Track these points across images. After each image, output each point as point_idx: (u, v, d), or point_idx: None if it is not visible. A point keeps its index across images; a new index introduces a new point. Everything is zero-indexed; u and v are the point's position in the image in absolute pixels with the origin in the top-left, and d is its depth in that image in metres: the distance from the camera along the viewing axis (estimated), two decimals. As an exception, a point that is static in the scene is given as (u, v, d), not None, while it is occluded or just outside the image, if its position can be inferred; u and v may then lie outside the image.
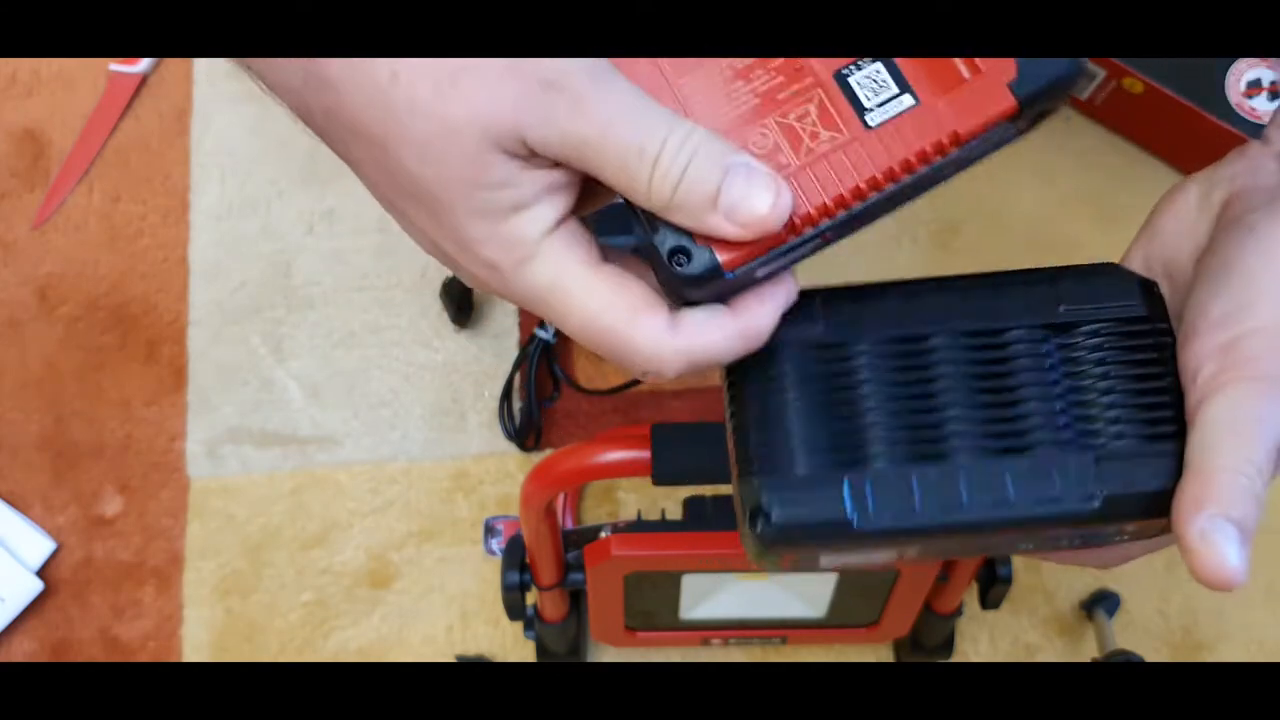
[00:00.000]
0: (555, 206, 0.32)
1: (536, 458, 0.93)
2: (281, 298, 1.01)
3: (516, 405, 0.96)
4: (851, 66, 0.35)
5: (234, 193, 1.04)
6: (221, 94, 1.06)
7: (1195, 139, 0.97)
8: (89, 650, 0.94)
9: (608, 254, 0.34)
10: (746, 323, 0.33)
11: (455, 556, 0.95)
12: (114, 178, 1.05)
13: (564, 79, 0.30)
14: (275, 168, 1.03)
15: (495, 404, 0.97)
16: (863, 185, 0.33)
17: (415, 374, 0.99)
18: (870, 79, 0.35)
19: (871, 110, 0.34)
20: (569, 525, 0.93)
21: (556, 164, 0.32)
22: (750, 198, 0.31)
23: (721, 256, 0.32)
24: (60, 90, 1.08)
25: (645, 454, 0.55)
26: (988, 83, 0.34)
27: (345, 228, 1.01)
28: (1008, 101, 0.35)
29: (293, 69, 0.33)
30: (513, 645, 0.92)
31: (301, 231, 1.02)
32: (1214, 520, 0.32)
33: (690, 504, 0.73)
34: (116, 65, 1.07)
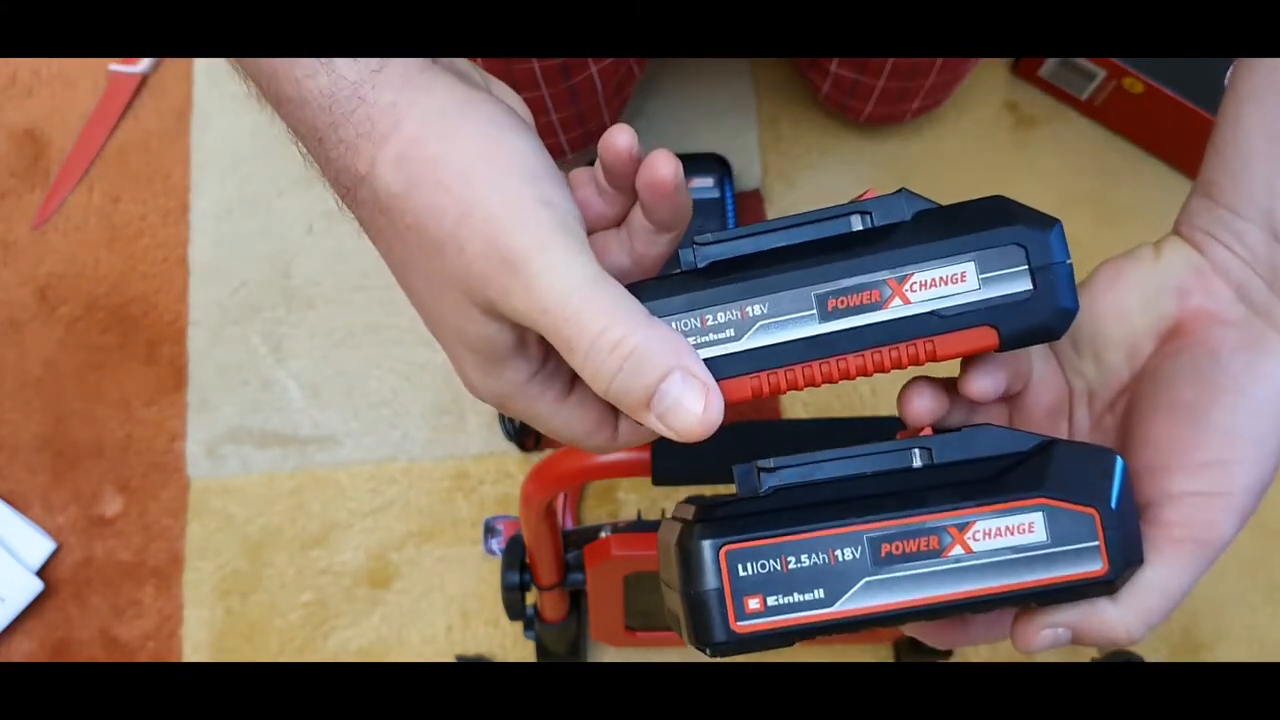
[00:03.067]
0: (530, 361, 0.36)
1: (536, 458, 0.93)
2: (281, 298, 1.01)
3: (517, 406, 0.96)
4: None
5: (234, 193, 1.04)
6: (221, 94, 1.06)
7: (1195, 139, 0.96)
8: (89, 650, 0.94)
9: (576, 381, 0.38)
10: (662, 428, 0.37)
11: (455, 556, 0.95)
12: (114, 178, 1.05)
13: (524, 260, 0.32)
14: (275, 168, 1.03)
15: (495, 404, 0.97)
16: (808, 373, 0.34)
17: (415, 374, 0.99)
18: None
19: None
20: (569, 525, 0.93)
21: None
22: (682, 404, 0.32)
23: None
24: (60, 90, 1.08)
25: (645, 454, 0.55)
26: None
27: (345, 228, 0.99)
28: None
29: (337, 183, 0.36)
30: (513, 645, 0.92)
31: (301, 231, 1.02)
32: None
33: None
34: (116, 65, 1.07)
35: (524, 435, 0.95)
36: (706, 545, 0.33)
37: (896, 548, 0.32)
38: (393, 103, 0.33)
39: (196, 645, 0.94)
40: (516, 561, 0.75)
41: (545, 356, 0.37)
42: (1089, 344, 0.39)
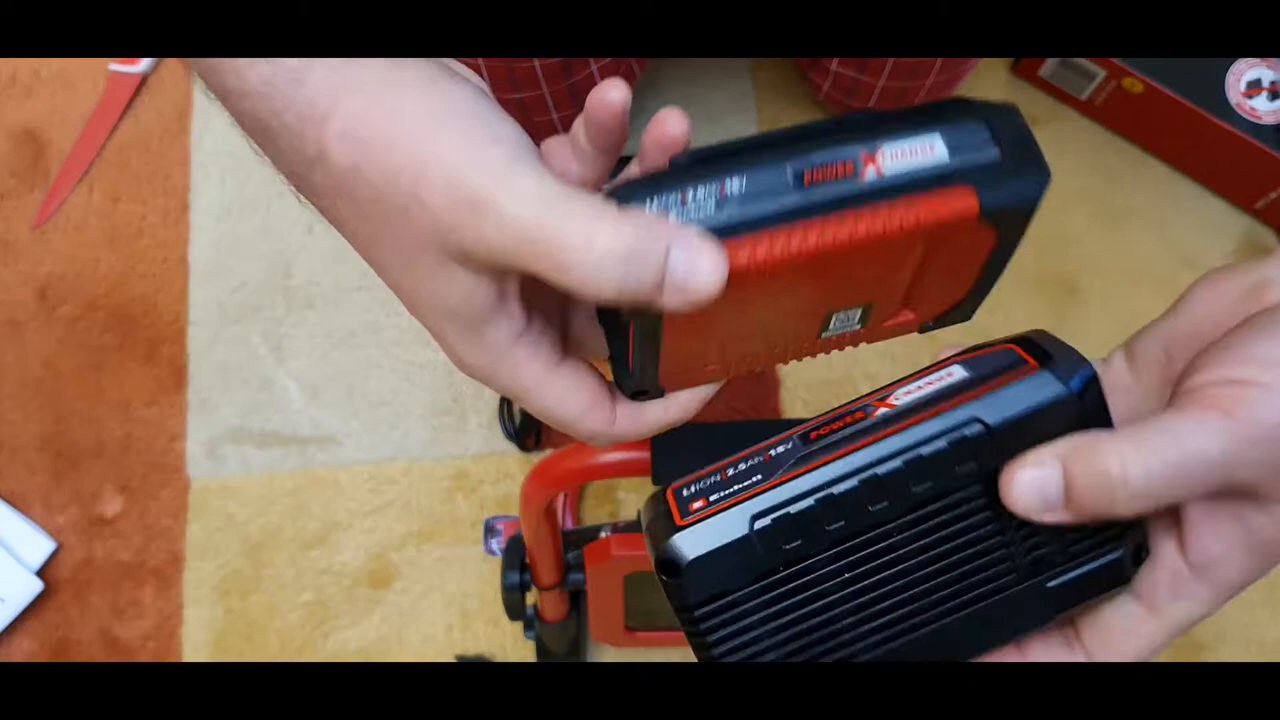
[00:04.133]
0: (512, 317, 0.35)
1: (536, 458, 0.93)
2: (281, 298, 1.01)
3: (516, 406, 0.96)
4: None
5: (234, 193, 1.04)
6: (221, 94, 1.06)
7: (1195, 139, 0.97)
8: (89, 650, 0.94)
9: (567, 350, 0.38)
10: (674, 414, 0.39)
11: (455, 556, 0.95)
12: (114, 178, 1.05)
13: (489, 196, 0.31)
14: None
15: (495, 404, 0.97)
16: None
17: (415, 374, 0.99)
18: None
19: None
20: (569, 525, 0.93)
21: (506, 274, 0.34)
22: (696, 268, 0.31)
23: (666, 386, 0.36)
24: (60, 90, 1.08)
25: (645, 454, 0.55)
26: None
27: (345, 228, 1.00)
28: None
29: (290, 172, 0.35)
30: (513, 645, 0.92)
31: (301, 231, 1.02)
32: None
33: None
34: (116, 65, 1.07)
35: (524, 435, 0.95)
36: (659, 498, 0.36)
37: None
38: (330, 81, 0.33)
39: (196, 645, 0.94)
40: (516, 561, 0.75)
41: (528, 316, 0.36)
42: (1181, 345, 0.38)
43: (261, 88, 0.33)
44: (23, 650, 0.94)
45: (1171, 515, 0.35)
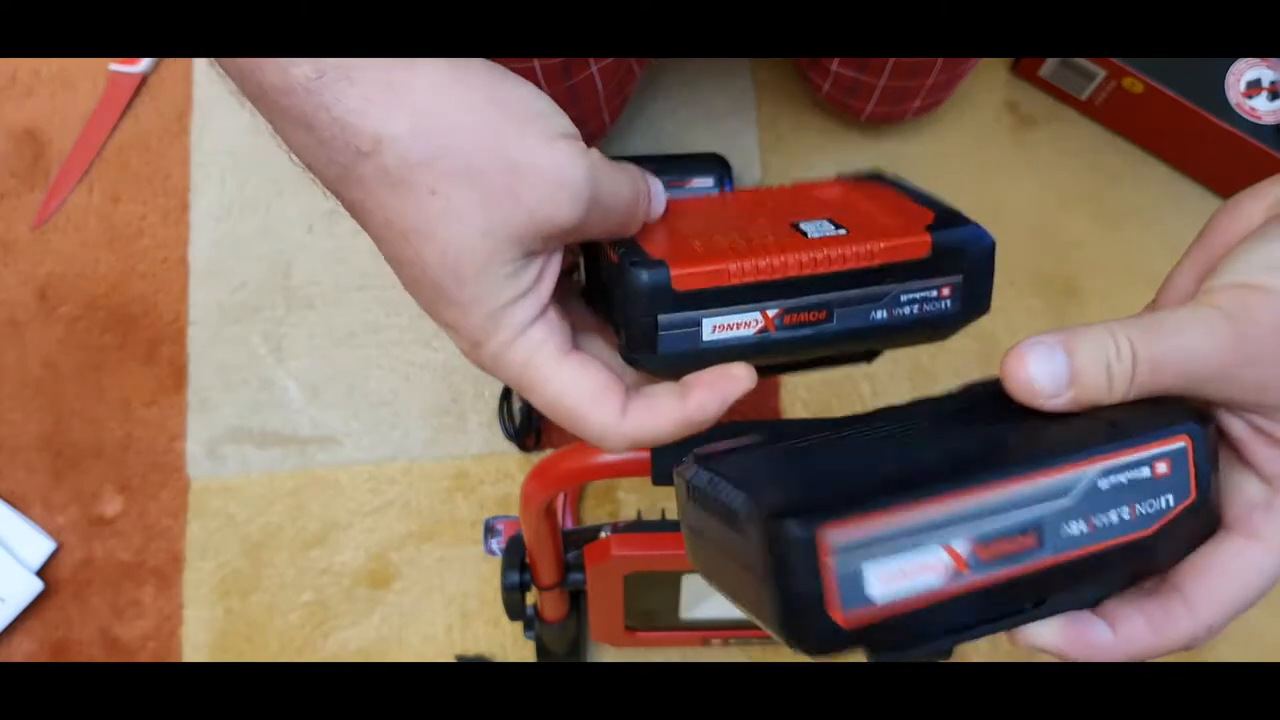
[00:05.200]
0: (539, 297, 0.36)
1: (536, 458, 0.93)
2: (281, 297, 1.01)
3: (516, 405, 0.96)
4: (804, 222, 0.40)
5: (234, 193, 1.04)
6: (221, 94, 1.06)
7: (1195, 139, 0.97)
8: (89, 650, 0.94)
9: (579, 341, 0.39)
10: (689, 413, 0.37)
11: (455, 556, 0.95)
12: (114, 178, 1.05)
13: (585, 179, 0.35)
14: (275, 168, 1.03)
15: (495, 404, 0.97)
16: (793, 261, 0.37)
17: (415, 374, 0.99)
18: (816, 225, 0.39)
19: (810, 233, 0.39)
20: (569, 525, 0.93)
21: (549, 255, 0.36)
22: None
23: (673, 271, 0.36)
24: (60, 90, 1.08)
25: (645, 454, 0.55)
26: (914, 233, 0.38)
27: (345, 228, 1.01)
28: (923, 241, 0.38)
29: (330, 163, 0.36)
30: (513, 645, 0.92)
31: (301, 231, 1.02)
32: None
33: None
34: (116, 65, 1.07)
35: (524, 435, 0.95)
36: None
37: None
38: (386, 81, 0.33)
39: (196, 645, 0.94)
40: (516, 561, 0.75)
41: (549, 294, 0.37)
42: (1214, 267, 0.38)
43: (308, 84, 0.33)
44: (23, 650, 0.94)
45: (1229, 448, 0.36)
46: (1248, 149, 0.94)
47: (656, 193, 0.40)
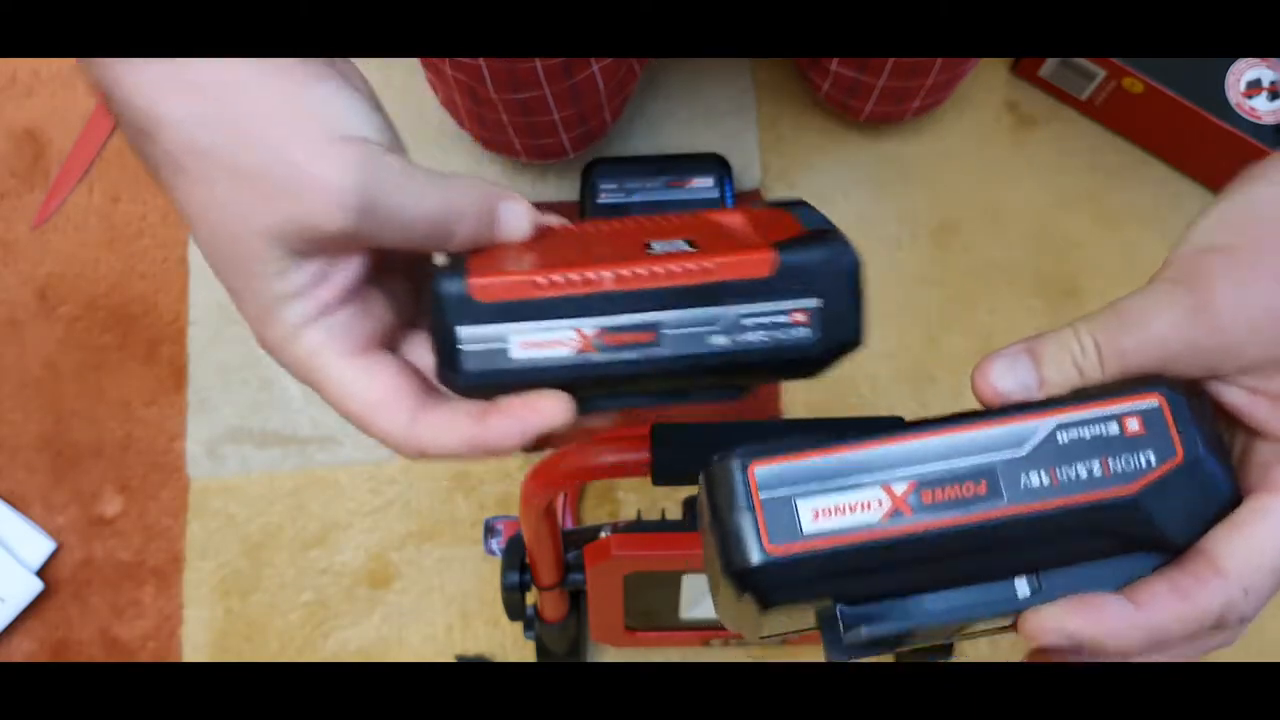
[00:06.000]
0: (318, 300, 0.35)
1: (536, 458, 0.92)
2: (281, 298, 1.01)
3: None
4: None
5: (234, 193, 1.04)
6: (221, 94, 1.06)
7: (1195, 139, 0.97)
8: (89, 650, 0.94)
9: (405, 345, 0.37)
10: (484, 435, 0.35)
11: (455, 556, 0.95)
12: (114, 178, 1.05)
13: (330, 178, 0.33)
14: (275, 168, 1.03)
15: (495, 404, 0.97)
16: (611, 274, 0.34)
17: (415, 374, 0.99)
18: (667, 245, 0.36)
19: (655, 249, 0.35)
20: (569, 525, 0.93)
21: (328, 258, 0.35)
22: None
23: (472, 280, 0.34)
24: (60, 90, 1.08)
25: (645, 454, 0.55)
26: (758, 250, 0.34)
27: (345, 228, 1.00)
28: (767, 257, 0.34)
29: (131, 141, 0.36)
30: (513, 645, 0.92)
31: (301, 231, 1.02)
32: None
33: (690, 504, 0.73)
34: (116, 65, 1.07)
35: (524, 435, 0.95)
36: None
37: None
38: (177, 69, 0.34)
39: (196, 645, 0.94)
40: (516, 561, 0.75)
41: (336, 296, 0.35)
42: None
43: (105, 59, 0.34)
44: (22, 650, 0.94)
45: (1232, 420, 0.35)
46: (1248, 149, 0.94)
47: (507, 214, 0.36)
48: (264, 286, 0.35)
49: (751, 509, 0.31)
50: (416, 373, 0.37)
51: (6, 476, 0.98)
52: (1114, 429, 0.32)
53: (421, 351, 0.38)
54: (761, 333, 0.34)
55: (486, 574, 0.94)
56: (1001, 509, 0.31)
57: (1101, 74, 0.97)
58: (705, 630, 0.83)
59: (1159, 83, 0.94)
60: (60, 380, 1.00)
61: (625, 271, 0.33)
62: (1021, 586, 0.32)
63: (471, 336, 0.34)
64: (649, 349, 0.34)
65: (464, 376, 0.34)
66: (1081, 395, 0.33)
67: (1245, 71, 0.95)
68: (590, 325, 0.33)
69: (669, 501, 0.92)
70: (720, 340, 0.34)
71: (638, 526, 0.72)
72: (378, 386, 0.36)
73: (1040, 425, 0.32)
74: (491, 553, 0.93)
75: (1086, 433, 0.32)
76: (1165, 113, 0.96)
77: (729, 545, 0.32)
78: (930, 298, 0.99)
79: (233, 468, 0.97)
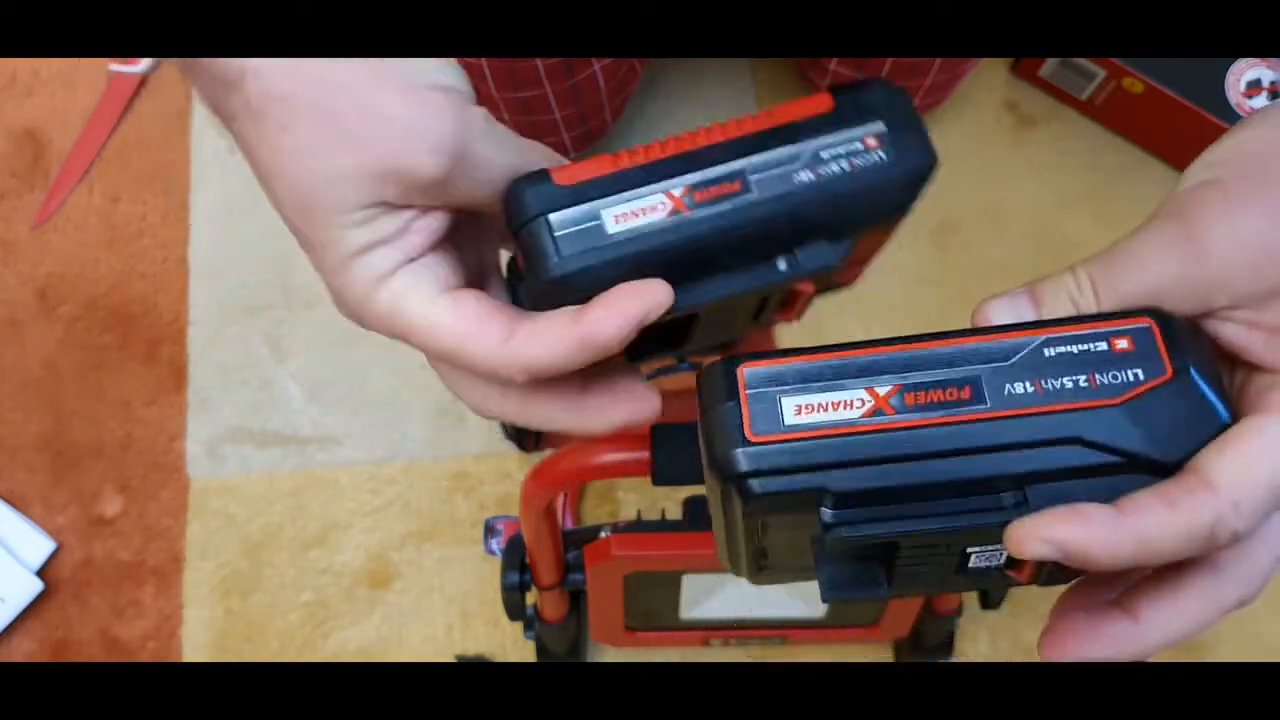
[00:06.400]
0: (403, 250, 0.35)
1: (536, 458, 0.93)
2: (281, 297, 1.01)
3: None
4: None
5: (234, 193, 1.04)
6: (221, 94, 1.06)
7: (1195, 139, 0.97)
8: (89, 650, 0.94)
9: (478, 281, 0.37)
10: (587, 332, 0.33)
11: (455, 556, 0.95)
12: (114, 178, 1.05)
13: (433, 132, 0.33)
14: (275, 168, 1.03)
15: (495, 404, 0.97)
16: (689, 139, 0.35)
17: (415, 374, 0.99)
18: None
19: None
20: (569, 525, 0.93)
21: (413, 210, 0.35)
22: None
23: (554, 173, 0.34)
24: (60, 90, 1.08)
25: (645, 454, 0.55)
26: (816, 96, 0.36)
27: (345, 228, 1.01)
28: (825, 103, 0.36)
29: (213, 96, 0.35)
30: (513, 645, 0.92)
31: (301, 231, 1.02)
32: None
33: (690, 504, 0.73)
34: (116, 65, 1.07)
35: (524, 435, 0.95)
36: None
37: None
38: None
39: (196, 645, 0.94)
40: (516, 561, 0.75)
41: (419, 247, 0.35)
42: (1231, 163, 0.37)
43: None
44: (22, 650, 0.94)
45: (1231, 357, 0.34)
46: (1248, 149, 0.94)
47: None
48: (349, 235, 0.34)
49: (737, 402, 0.32)
50: (504, 303, 0.36)
51: (7, 476, 0.98)
52: (1102, 346, 0.32)
53: (494, 295, 0.38)
54: (841, 161, 0.35)
55: (486, 574, 0.94)
56: (984, 412, 0.32)
57: (1101, 74, 0.97)
58: (705, 630, 0.83)
59: (1159, 83, 0.94)
60: (60, 380, 1.00)
61: (700, 136, 0.35)
62: (1007, 499, 0.32)
63: (564, 221, 0.34)
64: (739, 198, 0.34)
65: (564, 263, 0.34)
66: (1072, 319, 0.34)
67: (1245, 71, 0.95)
68: (678, 185, 0.34)
69: (669, 501, 0.92)
70: (804, 176, 0.35)
71: (638, 526, 0.72)
72: (467, 315, 0.35)
73: (1028, 340, 0.33)
74: (491, 553, 0.94)
75: (1074, 348, 0.33)
76: (1165, 113, 0.96)
77: (713, 436, 0.33)
78: (930, 298, 0.99)
79: (233, 468, 0.97)
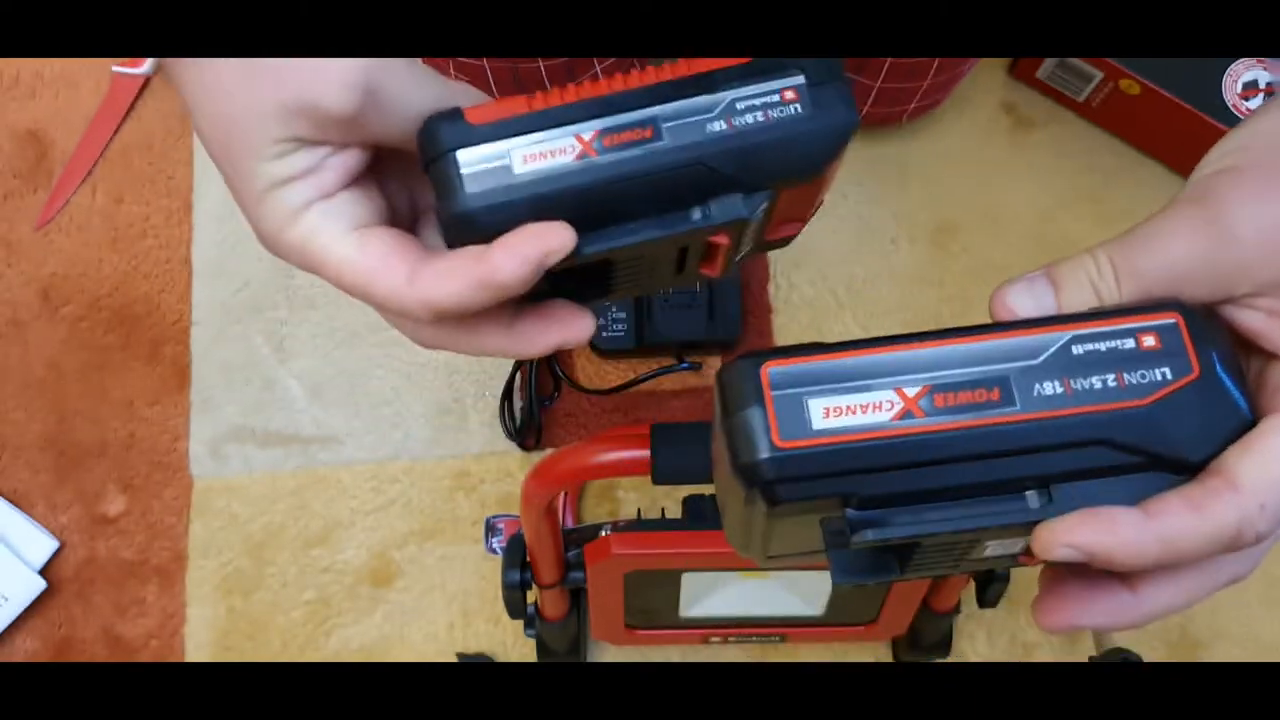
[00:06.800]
0: (318, 186, 0.36)
1: (537, 457, 0.93)
2: (284, 297, 1.01)
3: (517, 405, 0.96)
4: None
5: (236, 193, 1.04)
6: (223, 94, 1.07)
7: (1192, 140, 0.97)
8: (92, 649, 0.95)
9: (408, 221, 0.38)
10: (488, 271, 0.34)
11: (456, 555, 0.95)
12: (117, 178, 1.05)
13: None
14: (277, 168, 1.03)
15: (496, 403, 0.97)
16: (603, 85, 0.35)
17: (417, 373, 0.99)
18: None
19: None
20: (569, 524, 0.94)
21: (330, 146, 0.35)
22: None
23: (468, 112, 0.34)
24: (63, 91, 1.08)
25: (645, 453, 0.56)
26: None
27: (347, 228, 1.01)
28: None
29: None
30: (513, 643, 0.93)
31: (303, 232, 1.02)
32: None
33: (690, 503, 0.73)
34: (119, 66, 1.07)
35: (525, 434, 0.95)
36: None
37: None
38: None
39: (199, 644, 0.94)
40: (517, 560, 0.75)
41: (336, 182, 0.36)
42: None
43: None
44: (25, 649, 0.95)
45: (1251, 345, 0.34)
46: (1246, 150, 0.94)
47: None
48: (264, 169, 0.35)
49: (762, 405, 0.31)
50: (414, 241, 0.37)
51: (10, 476, 0.98)
52: (1129, 344, 0.32)
53: (426, 235, 0.39)
54: (757, 113, 0.34)
55: (487, 572, 0.94)
56: (1014, 415, 0.31)
57: (1099, 75, 0.97)
58: (705, 629, 0.84)
59: (1156, 84, 0.95)
60: (63, 380, 1.00)
61: (616, 82, 0.34)
62: (1032, 499, 0.32)
63: (472, 159, 0.34)
64: (650, 144, 0.34)
65: (469, 200, 0.34)
66: (1098, 313, 0.33)
67: (1242, 73, 0.95)
68: (588, 129, 0.34)
69: (669, 501, 0.92)
70: (718, 125, 0.34)
71: (638, 525, 0.72)
72: (373, 252, 0.36)
73: (1055, 337, 0.32)
74: (492, 551, 0.94)
75: (1102, 345, 0.32)
76: (1162, 114, 0.96)
77: (739, 440, 0.32)
78: (929, 298, 0.99)
79: (235, 467, 0.98)
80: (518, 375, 0.96)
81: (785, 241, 0.41)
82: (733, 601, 0.80)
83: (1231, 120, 0.94)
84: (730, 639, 0.85)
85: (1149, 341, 0.32)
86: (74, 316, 1.02)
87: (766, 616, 0.82)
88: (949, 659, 0.88)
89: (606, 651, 0.91)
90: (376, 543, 0.95)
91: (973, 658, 0.90)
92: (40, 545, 0.96)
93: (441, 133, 0.34)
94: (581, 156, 0.34)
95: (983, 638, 0.91)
